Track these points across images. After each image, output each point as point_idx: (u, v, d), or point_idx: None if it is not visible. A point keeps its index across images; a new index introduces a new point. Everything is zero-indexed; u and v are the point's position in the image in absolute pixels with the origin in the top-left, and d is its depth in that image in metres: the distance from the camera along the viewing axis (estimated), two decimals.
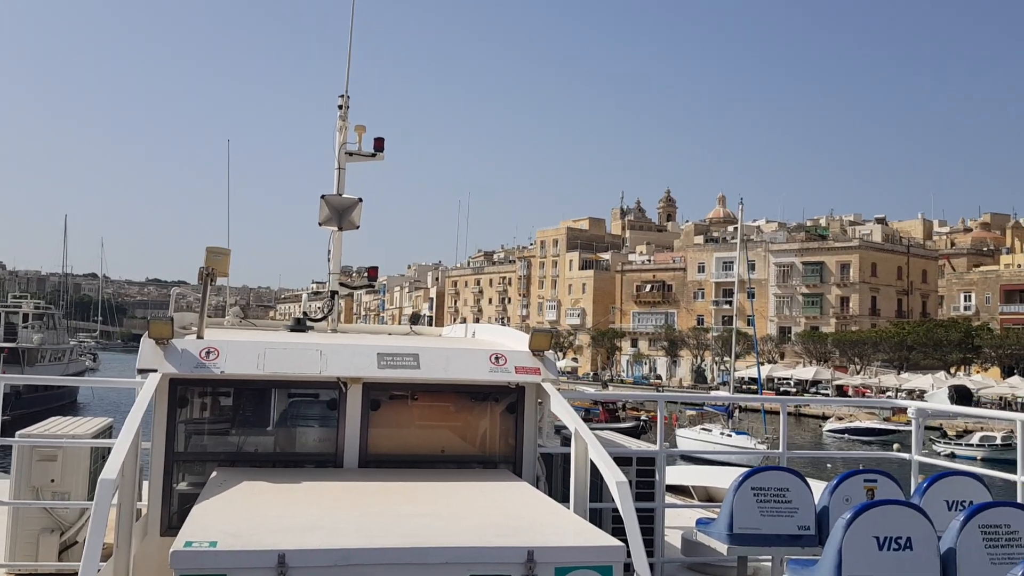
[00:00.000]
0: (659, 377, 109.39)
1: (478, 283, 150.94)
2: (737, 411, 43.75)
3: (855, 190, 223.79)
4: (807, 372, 79.07)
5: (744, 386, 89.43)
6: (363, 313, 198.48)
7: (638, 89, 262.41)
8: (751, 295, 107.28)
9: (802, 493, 5.83)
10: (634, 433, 43.15)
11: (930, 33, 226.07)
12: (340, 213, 7.46)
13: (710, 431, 39.43)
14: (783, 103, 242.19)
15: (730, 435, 38.38)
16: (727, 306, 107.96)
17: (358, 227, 7.57)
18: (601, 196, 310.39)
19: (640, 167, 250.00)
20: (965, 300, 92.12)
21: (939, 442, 46.04)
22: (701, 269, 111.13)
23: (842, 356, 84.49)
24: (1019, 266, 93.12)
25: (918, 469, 7.16)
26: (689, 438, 38.78)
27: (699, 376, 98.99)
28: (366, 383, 5.55)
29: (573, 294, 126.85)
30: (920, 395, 58.59)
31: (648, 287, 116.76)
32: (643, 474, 6.85)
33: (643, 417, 47.81)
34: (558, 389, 5.67)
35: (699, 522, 6.14)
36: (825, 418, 66.41)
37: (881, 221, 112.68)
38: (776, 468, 5.88)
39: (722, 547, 5.73)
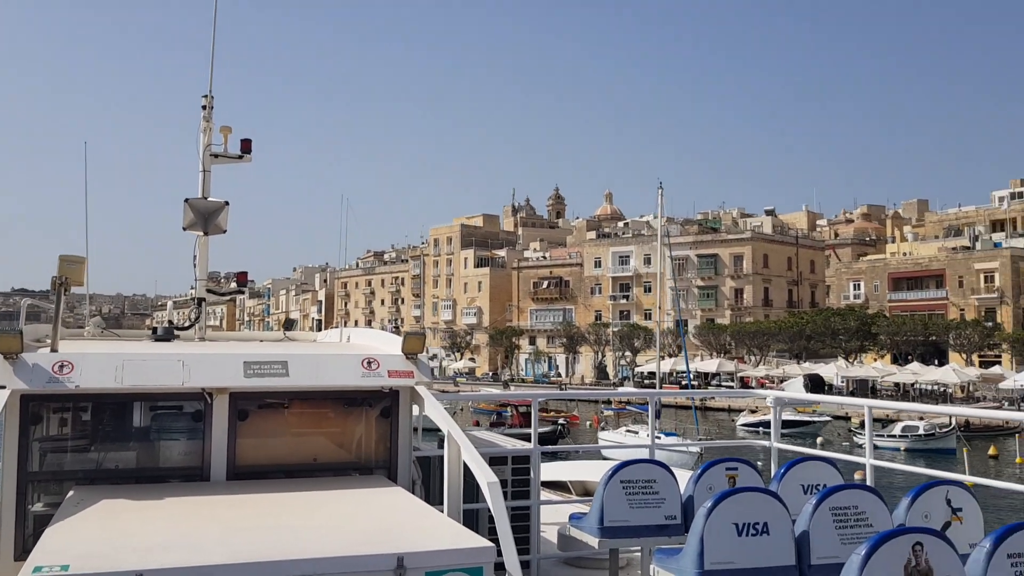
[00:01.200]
0: (559, 375, 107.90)
1: (369, 284, 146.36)
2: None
3: (741, 185, 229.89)
4: (710, 364, 78.62)
5: (645, 381, 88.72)
6: (247, 319, 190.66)
7: (526, 86, 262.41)
8: (648, 289, 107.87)
9: (669, 484, 5.89)
10: (552, 438, 40.69)
11: (804, 33, 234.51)
12: (206, 217, 7.20)
13: (636, 433, 37.07)
14: (665, 101, 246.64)
15: (659, 436, 36.20)
16: (624, 300, 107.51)
17: (225, 231, 7.33)
18: (493, 194, 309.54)
19: (530, 165, 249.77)
20: (855, 289, 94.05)
21: (859, 433, 45.24)
22: (598, 264, 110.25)
23: (740, 347, 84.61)
24: (904, 254, 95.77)
25: (778, 455, 7.34)
26: (613, 441, 36.33)
27: (601, 372, 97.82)
28: (233, 393, 5.46)
29: (469, 293, 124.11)
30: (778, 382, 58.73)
31: (545, 283, 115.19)
32: (519, 472, 6.79)
33: (560, 421, 45.34)
34: (432, 391, 5.70)
35: (572, 517, 6.17)
36: (731, 412, 65.88)
37: (770, 213, 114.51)
38: (644, 461, 5.91)
39: (593, 540, 5.79)
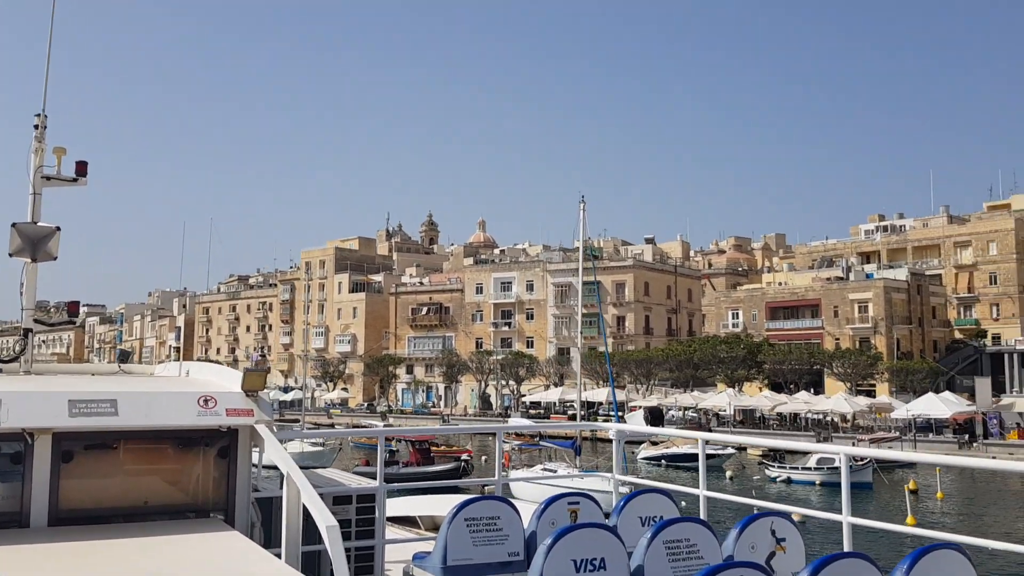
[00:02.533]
0: (435, 405, 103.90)
1: (234, 309, 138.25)
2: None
3: (620, 214, 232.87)
4: (599, 394, 76.69)
5: (530, 412, 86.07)
6: (96, 346, 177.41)
7: (400, 109, 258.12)
8: (530, 316, 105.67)
9: (512, 521, 5.84)
10: (454, 477, 37.06)
11: (669, 72, 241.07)
12: (34, 243, 6.92)
13: (554, 472, 33.69)
14: (541, 132, 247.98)
15: (581, 477, 33.04)
16: (507, 328, 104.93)
17: (55, 258, 7.06)
18: (367, 218, 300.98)
19: (404, 190, 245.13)
20: (733, 317, 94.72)
21: (772, 466, 43.75)
22: (479, 290, 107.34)
23: (625, 376, 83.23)
24: (780, 284, 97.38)
25: (618, 487, 7.55)
26: (527, 481, 32.56)
27: (484, 403, 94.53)
28: (56, 433, 5.16)
29: (343, 319, 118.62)
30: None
31: (424, 310, 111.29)
32: (364, 511, 6.53)
33: (464, 457, 41.57)
34: (272, 431, 5.56)
35: (416, 556, 6.06)
36: (630, 443, 63.82)
37: (650, 241, 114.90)
38: (489, 497, 5.86)
39: None
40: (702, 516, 5.93)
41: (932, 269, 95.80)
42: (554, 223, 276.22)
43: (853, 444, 51.11)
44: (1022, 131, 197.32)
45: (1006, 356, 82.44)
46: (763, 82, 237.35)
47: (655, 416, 51.24)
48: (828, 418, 63.41)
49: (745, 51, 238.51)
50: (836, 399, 61.15)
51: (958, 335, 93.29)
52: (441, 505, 10.00)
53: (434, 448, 45.06)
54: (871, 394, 73.87)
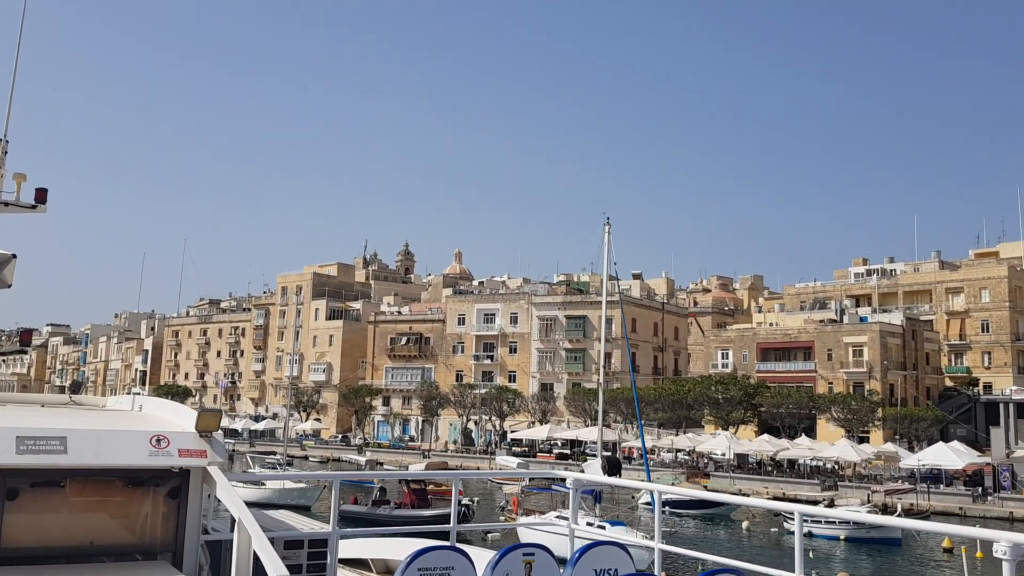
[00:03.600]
0: (412, 439, 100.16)
1: (204, 333, 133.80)
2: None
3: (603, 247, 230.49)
4: (589, 432, 73.57)
5: (514, 449, 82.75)
6: (59, 367, 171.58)
7: (377, 136, 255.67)
8: (513, 349, 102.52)
9: (466, 571, 5.78)
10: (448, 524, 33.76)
11: (649, 103, 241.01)
12: None
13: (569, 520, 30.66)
14: (519, 164, 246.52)
15: (603, 527, 29.87)
16: (488, 361, 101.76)
17: (10, 285, 7.14)
18: (344, 245, 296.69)
19: (380, 218, 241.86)
20: (723, 357, 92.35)
21: (790, 518, 40.63)
22: (461, 321, 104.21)
23: (615, 414, 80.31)
24: (771, 324, 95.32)
25: (574, 537, 7.38)
26: (540, 529, 29.24)
27: (467, 438, 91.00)
28: (2, 470, 5.01)
29: (319, 347, 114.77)
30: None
31: (404, 340, 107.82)
32: (317, 555, 6.42)
33: (464, 500, 38.03)
34: (225, 472, 5.40)
35: None
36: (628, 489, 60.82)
37: (637, 277, 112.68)
38: (444, 547, 5.78)
39: None
40: (656, 571, 6.14)
41: (923, 315, 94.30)
42: (533, 256, 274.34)
43: (869, 494, 48.62)
44: (1008, 179, 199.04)
45: (1001, 406, 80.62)
46: (743, 125, 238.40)
47: (612, 465, 47.75)
48: (829, 465, 60.85)
49: (722, 93, 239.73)
50: (841, 446, 58.53)
51: (948, 383, 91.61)
52: (395, 549, 9.46)
53: (432, 488, 41.51)
54: (865, 440, 71.57)
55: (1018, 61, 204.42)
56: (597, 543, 6.15)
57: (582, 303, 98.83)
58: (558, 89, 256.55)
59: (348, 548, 7.97)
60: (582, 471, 42.18)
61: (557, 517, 31.12)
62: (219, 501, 5.37)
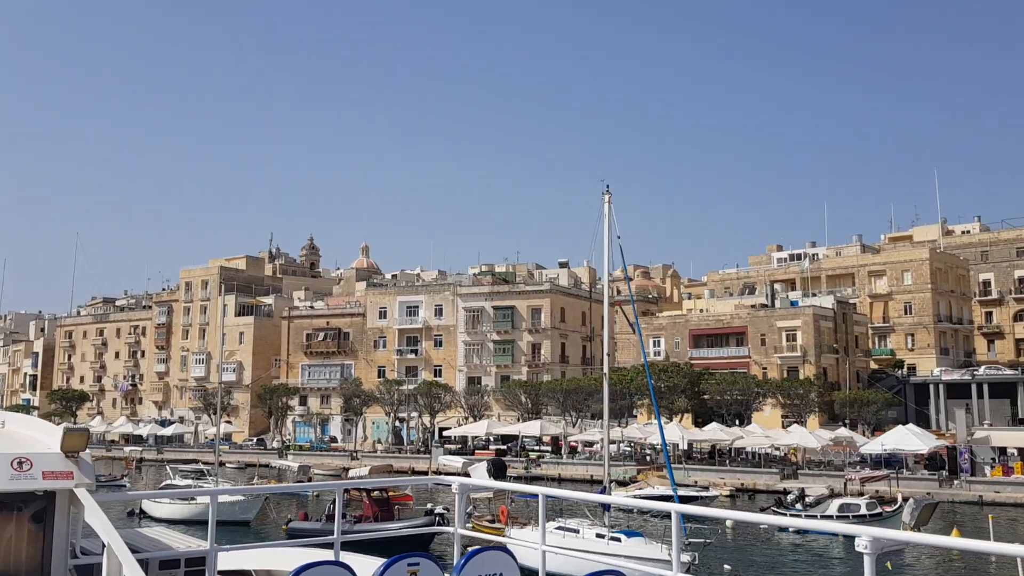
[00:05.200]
0: (334, 439, 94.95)
1: (101, 334, 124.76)
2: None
3: (529, 237, 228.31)
4: (529, 427, 70.29)
5: (445, 445, 78.73)
6: None
7: (277, 120, 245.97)
8: (438, 343, 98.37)
9: None
10: (425, 538, 29.70)
11: (573, 100, 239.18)
12: None
13: (576, 532, 26.75)
14: (423, 159, 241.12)
15: (617, 539, 26.17)
16: (412, 355, 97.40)
17: None
18: (248, 239, 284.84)
19: (284, 211, 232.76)
20: (655, 345, 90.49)
21: (784, 514, 37.92)
22: (383, 315, 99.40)
23: (553, 407, 77.20)
24: (701, 311, 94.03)
25: (460, 543, 7.17)
26: (535, 543, 25.49)
27: (397, 437, 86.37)
28: None
29: (228, 345, 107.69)
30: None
31: (321, 335, 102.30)
32: (194, 575, 6.25)
33: (437, 509, 33.94)
34: (94, 494, 5.16)
35: None
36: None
37: (564, 265, 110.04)
38: (327, 562, 5.56)
39: None
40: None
41: (848, 298, 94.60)
42: (445, 249, 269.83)
43: (845, 482, 46.76)
44: (915, 165, 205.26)
45: (931, 387, 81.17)
46: (645, 107, 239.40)
47: (498, 468, 44.59)
48: (783, 453, 59.24)
49: (629, 79, 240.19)
50: (800, 433, 56.85)
51: (874, 365, 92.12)
52: (279, 559, 8.67)
53: (393, 495, 37.19)
54: (801, 424, 70.62)
55: (924, 45, 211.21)
56: (483, 548, 5.92)
57: (510, 293, 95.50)
58: (455, 87, 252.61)
59: (229, 559, 7.35)
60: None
61: (558, 528, 27.35)
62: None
